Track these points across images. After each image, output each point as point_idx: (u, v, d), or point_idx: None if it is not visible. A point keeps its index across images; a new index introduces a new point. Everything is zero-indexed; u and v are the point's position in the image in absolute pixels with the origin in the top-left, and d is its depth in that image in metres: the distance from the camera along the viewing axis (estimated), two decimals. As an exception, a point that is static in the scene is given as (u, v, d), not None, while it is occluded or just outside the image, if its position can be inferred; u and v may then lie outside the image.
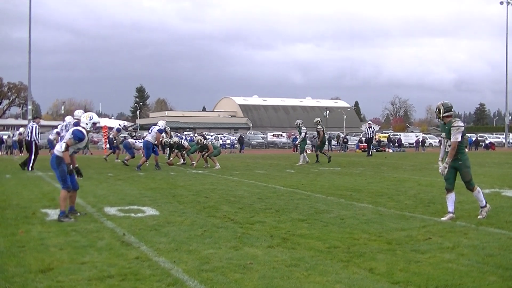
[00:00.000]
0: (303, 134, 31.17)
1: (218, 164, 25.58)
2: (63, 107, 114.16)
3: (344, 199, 13.57)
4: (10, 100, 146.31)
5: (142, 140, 27.94)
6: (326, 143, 47.03)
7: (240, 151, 60.45)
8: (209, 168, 25.10)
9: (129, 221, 10.15)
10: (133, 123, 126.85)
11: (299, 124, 31.23)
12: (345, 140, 70.56)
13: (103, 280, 6.26)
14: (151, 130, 25.04)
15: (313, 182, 18.47)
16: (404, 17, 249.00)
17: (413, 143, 79.80)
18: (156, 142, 24.71)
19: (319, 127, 32.03)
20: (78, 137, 10.53)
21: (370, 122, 47.06)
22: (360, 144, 70.01)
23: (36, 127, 24.02)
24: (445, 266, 6.88)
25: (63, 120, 24.61)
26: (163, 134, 26.00)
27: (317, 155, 32.37)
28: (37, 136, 23.71)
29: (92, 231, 9.09)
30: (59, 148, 10.58)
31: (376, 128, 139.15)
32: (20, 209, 11.55)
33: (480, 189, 10.81)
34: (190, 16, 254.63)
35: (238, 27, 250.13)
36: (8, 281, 6.19)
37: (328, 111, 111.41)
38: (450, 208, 10.64)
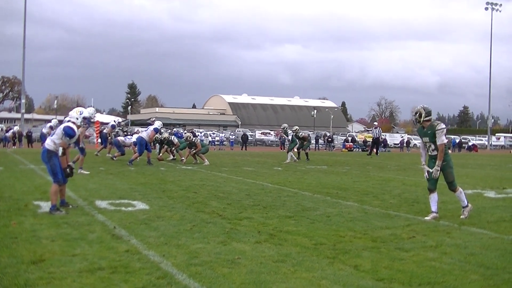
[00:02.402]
0: (290, 137, 32.12)
1: (207, 160, 25.86)
2: (55, 101, 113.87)
3: (331, 197, 13.74)
4: (4, 94, 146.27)
5: (133, 137, 28.16)
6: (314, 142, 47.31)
7: (242, 148, 61.07)
8: (198, 165, 25.25)
9: (119, 214, 10.29)
10: (124, 119, 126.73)
11: (286, 128, 32.82)
12: (330, 139, 70.76)
13: (93, 272, 6.38)
14: (148, 128, 25.40)
15: (300, 180, 18.65)
16: (390, 20, 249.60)
17: (398, 144, 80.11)
18: (149, 140, 24.86)
19: (300, 133, 32.71)
20: (68, 134, 10.79)
21: (376, 123, 47.41)
22: (346, 144, 70.24)
23: None
24: (429, 264, 7.03)
25: (55, 116, 24.78)
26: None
27: (306, 154, 33.59)
28: None
29: (83, 224, 9.22)
30: (50, 142, 10.76)
31: (362, 128, 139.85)
32: (13, 201, 11.67)
33: (462, 190, 11.04)
34: (180, 16, 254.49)
35: (227, 27, 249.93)
36: (0, 272, 6.31)
37: (315, 111, 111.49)
38: (433, 208, 10.84)
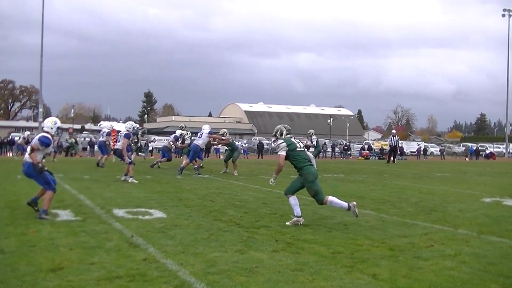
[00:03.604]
0: (314, 142, 32.21)
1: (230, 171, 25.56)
2: (72, 110, 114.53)
3: (348, 206, 13.69)
4: (22, 102, 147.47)
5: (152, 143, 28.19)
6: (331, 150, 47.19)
7: (258, 157, 61.06)
8: (214, 173, 25.23)
9: (137, 223, 10.30)
10: (141, 127, 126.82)
11: (312, 134, 32.31)
12: (347, 147, 70.60)
13: (111, 280, 6.39)
14: (201, 134, 24.56)
15: (317, 188, 18.57)
16: (404, 27, 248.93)
17: (414, 152, 79.75)
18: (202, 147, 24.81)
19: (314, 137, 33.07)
20: (45, 143, 10.95)
21: (394, 131, 47.42)
22: (363, 152, 70.04)
23: None
24: (447, 274, 6.99)
25: (72, 124, 24.77)
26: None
27: None
28: None
29: (100, 232, 9.25)
30: (33, 155, 10.90)
31: (379, 136, 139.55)
32: (30, 209, 11.70)
33: (333, 199, 10.85)
34: (194, 24, 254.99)
35: (241, 36, 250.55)
36: (19, 280, 6.33)
37: (331, 119, 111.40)
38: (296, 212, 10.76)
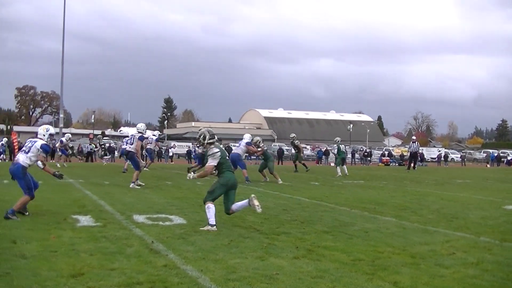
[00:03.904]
0: (335, 150, 33.15)
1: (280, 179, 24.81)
2: (93, 116, 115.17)
3: (368, 212, 13.65)
4: (43, 108, 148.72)
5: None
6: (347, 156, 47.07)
7: (278, 163, 60.88)
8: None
9: (157, 229, 10.31)
10: (161, 133, 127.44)
11: (338, 142, 32.99)
12: (367, 153, 70.40)
13: (132, 286, 6.39)
14: (240, 144, 24.63)
15: (337, 194, 18.57)
16: (424, 33, 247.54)
17: (435, 158, 79.41)
18: (243, 154, 24.60)
19: (296, 141, 34.31)
20: (46, 150, 11.87)
21: (414, 138, 47.29)
22: (383, 158, 69.85)
23: None
24: (469, 282, 6.92)
25: (93, 130, 24.75)
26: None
27: (295, 165, 35.28)
28: None
29: (121, 238, 9.27)
30: (26, 159, 11.73)
31: (399, 142, 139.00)
32: (52, 214, 11.78)
33: (212, 206, 10.74)
34: (214, 30, 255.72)
35: (261, 41, 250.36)
36: (41, 285, 6.35)
37: (351, 125, 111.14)
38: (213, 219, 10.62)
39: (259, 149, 24.63)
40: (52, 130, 12.42)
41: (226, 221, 11.54)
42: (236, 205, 11.04)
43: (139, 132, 20.57)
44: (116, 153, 56.69)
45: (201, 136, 11.19)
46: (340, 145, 32.69)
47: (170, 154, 59.91)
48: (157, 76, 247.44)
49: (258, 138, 25.59)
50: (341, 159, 32.80)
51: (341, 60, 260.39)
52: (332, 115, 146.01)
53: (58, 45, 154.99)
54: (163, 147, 38.33)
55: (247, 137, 24.70)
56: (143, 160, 25.60)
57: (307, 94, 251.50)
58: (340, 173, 31.51)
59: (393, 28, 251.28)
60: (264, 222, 11.49)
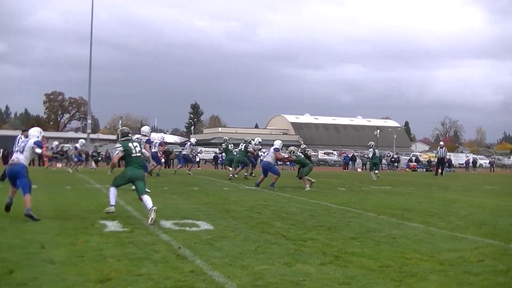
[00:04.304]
0: (370, 154, 33.98)
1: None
2: (120, 122, 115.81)
3: (395, 218, 13.55)
4: (71, 114, 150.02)
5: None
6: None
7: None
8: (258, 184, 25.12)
9: (184, 234, 10.32)
10: (187, 139, 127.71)
11: (372, 146, 34.36)
12: (394, 159, 70.05)
13: (159, 292, 6.41)
14: (269, 150, 24.22)
15: (364, 200, 18.49)
16: (449, 38, 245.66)
17: (463, 164, 78.85)
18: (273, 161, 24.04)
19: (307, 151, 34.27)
20: (39, 145, 12.69)
21: (442, 143, 47.04)
22: (410, 164, 69.50)
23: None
24: (498, 289, 6.87)
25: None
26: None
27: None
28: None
29: (148, 244, 9.28)
30: (25, 159, 12.45)
31: (426, 147, 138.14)
32: (80, 219, 11.86)
33: (112, 190, 12.83)
34: (239, 36, 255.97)
35: (286, 47, 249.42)
36: (68, 290, 6.40)
37: (378, 131, 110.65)
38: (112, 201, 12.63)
39: (286, 156, 24.36)
40: (43, 132, 13.40)
41: (253, 227, 11.54)
42: (145, 201, 12.27)
43: (143, 135, 20.65)
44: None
45: (118, 135, 13.34)
46: (376, 150, 33.72)
47: (197, 159, 60.02)
48: (184, 82, 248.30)
49: (292, 148, 24.98)
50: (372, 163, 33.73)
51: (367, 66, 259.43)
52: (358, 121, 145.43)
53: (85, 51, 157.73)
54: (196, 153, 38.37)
55: (277, 144, 24.34)
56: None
57: (333, 99, 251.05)
58: (374, 178, 32.61)
59: (419, 33, 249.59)
60: (291, 228, 11.45)
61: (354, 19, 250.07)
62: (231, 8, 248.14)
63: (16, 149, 12.66)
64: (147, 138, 20.61)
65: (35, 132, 12.96)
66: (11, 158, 12.99)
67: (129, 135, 13.33)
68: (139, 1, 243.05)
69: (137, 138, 20.93)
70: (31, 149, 12.47)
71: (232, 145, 34.99)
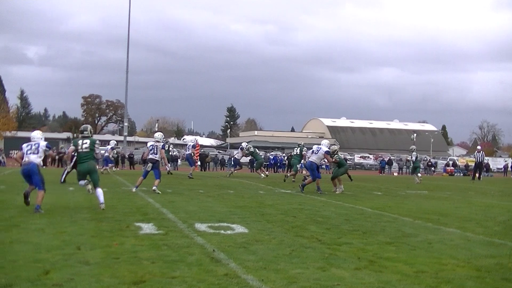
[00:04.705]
0: (414, 158, 35.03)
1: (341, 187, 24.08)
2: (157, 124, 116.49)
3: (432, 223, 13.41)
4: (108, 117, 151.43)
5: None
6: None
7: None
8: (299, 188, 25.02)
9: (218, 237, 10.32)
10: (223, 142, 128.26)
11: (414, 150, 35.41)
12: (431, 163, 69.46)
13: (193, 294, 6.42)
14: (317, 150, 23.18)
15: (400, 205, 18.35)
16: (487, 41, 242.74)
17: (501, 168, 77.92)
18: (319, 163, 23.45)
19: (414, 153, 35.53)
20: (49, 147, 14.32)
21: (479, 147, 46.64)
22: (447, 168, 68.90)
23: None
24: (537, 297, 6.77)
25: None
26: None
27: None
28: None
29: (182, 246, 9.30)
30: (38, 158, 13.81)
31: (464, 152, 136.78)
32: (115, 222, 11.92)
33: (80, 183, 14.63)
34: (275, 39, 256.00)
35: (322, 50, 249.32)
36: (103, 291, 6.43)
37: (415, 134, 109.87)
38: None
39: (332, 160, 23.73)
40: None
41: (288, 230, 11.51)
42: (98, 194, 14.25)
43: (157, 141, 21.11)
44: (179, 161, 57.23)
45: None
46: (417, 154, 34.95)
47: (233, 163, 60.10)
48: (220, 85, 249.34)
49: (335, 147, 24.59)
50: (414, 167, 35.16)
51: (404, 69, 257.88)
52: (395, 124, 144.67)
53: (122, 54, 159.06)
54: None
55: (325, 144, 23.65)
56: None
57: (370, 103, 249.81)
58: (418, 180, 34.03)
59: (456, 35, 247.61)
60: (326, 232, 11.40)
61: (391, 22, 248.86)
62: (268, 11, 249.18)
63: (29, 151, 13.73)
64: (161, 144, 20.96)
65: (39, 135, 14.31)
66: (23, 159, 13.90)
67: (85, 132, 14.95)
68: (175, 5, 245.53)
69: (151, 145, 21.18)
70: (43, 150, 13.89)
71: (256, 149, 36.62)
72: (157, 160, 20.77)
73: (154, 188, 20.03)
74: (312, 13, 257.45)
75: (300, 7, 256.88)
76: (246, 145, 37.23)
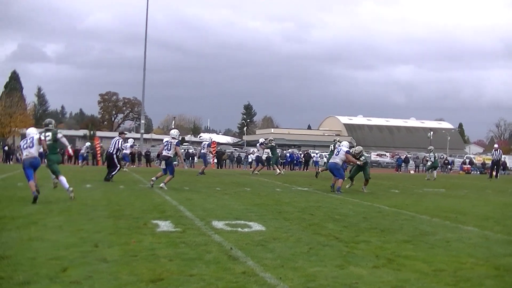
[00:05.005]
0: (432, 158, 37.46)
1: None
2: (173, 122, 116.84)
3: (449, 222, 13.34)
4: (125, 114, 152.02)
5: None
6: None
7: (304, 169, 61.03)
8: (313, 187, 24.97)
9: (236, 235, 10.31)
10: (240, 139, 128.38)
11: (431, 150, 37.95)
12: (447, 161, 69.15)
13: (211, 292, 6.41)
14: (338, 151, 23.04)
15: (418, 203, 18.26)
16: (504, 38, 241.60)
17: (518, 166, 77.51)
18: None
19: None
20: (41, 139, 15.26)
21: (497, 145, 46.42)
22: (464, 166, 68.57)
23: (120, 141, 25.23)
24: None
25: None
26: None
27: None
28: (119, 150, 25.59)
29: (200, 244, 9.30)
30: (37, 152, 14.94)
31: (480, 150, 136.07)
32: (133, 219, 11.94)
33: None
34: (293, 37, 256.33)
35: (339, 48, 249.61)
36: (121, 289, 6.44)
37: (432, 132, 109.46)
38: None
39: (358, 162, 23.23)
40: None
41: (305, 228, 11.49)
42: (61, 180, 15.66)
43: (173, 138, 21.57)
44: (196, 158, 57.39)
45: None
46: (436, 153, 36.94)
47: (249, 160, 60.17)
48: (237, 82, 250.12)
49: (360, 148, 23.92)
50: (433, 166, 37.53)
51: (420, 67, 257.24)
52: (412, 122, 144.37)
53: (140, 52, 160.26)
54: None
55: (346, 145, 23.48)
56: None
57: (387, 100, 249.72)
58: (429, 177, 36.22)
59: (473, 33, 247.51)
60: (344, 230, 11.36)
61: (408, 19, 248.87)
62: (285, 9, 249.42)
63: (25, 146, 14.81)
64: (176, 140, 21.23)
65: (34, 130, 15.36)
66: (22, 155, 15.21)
67: (50, 125, 16.51)
68: (193, 3, 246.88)
69: (166, 141, 21.40)
70: (38, 142, 14.86)
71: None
72: (170, 157, 21.22)
73: (162, 185, 20.42)
74: (329, 11, 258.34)
75: (317, 4, 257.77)
76: (267, 139, 38.01)
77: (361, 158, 23.14)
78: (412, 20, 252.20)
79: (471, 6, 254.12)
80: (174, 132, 21.86)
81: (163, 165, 21.10)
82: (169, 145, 21.20)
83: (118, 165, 24.75)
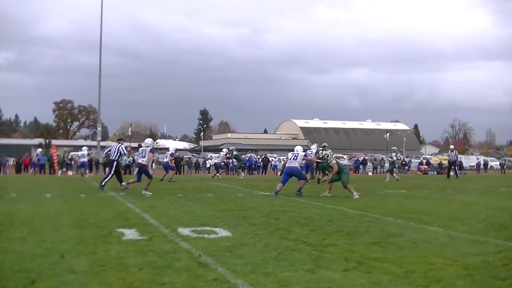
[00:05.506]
0: (394, 158, 38.87)
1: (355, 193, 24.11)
2: (130, 129, 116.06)
3: (414, 222, 13.43)
4: (80, 122, 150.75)
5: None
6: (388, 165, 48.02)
7: (316, 173, 61.05)
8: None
9: (203, 242, 10.23)
10: (197, 145, 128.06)
11: (395, 150, 39.91)
12: (404, 162, 69.79)
13: (184, 300, 6.35)
14: (295, 156, 22.77)
15: (381, 204, 18.38)
16: (458, 41, 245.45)
17: (473, 166, 78.55)
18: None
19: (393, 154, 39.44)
20: None
21: (452, 146, 47.29)
22: (421, 167, 69.34)
23: (122, 146, 24.83)
24: (527, 293, 6.77)
25: (130, 143, 25.42)
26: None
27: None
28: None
29: (168, 252, 9.20)
30: None
31: (436, 150, 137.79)
32: (98, 228, 11.79)
33: None
34: (248, 42, 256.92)
35: (294, 52, 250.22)
36: (93, 300, 6.34)
37: (388, 134, 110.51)
38: None
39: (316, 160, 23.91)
40: None
41: (272, 233, 11.46)
42: None
43: (147, 146, 22.57)
44: (153, 165, 57.11)
45: None
46: (399, 154, 37.92)
47: (208, 165, 60.11)
48: (193, 88, 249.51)
49: (327, 152, 24.03)
50: (394, 167, 38.88)
51: (376, 69, 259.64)
52: (368, 124, 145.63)
53: (95, 59, 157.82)
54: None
55: (300, 149, 23.47)
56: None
57: (343, 103, 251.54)
58: (388, 179, 37.23)
59: (427, 35, 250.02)
60: (310, 234, 11.36)
61: (362, 23, 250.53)
62: (240, 14, 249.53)
63: None
64: (150, 148, 22.55)
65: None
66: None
67: None
68: (148, 9, 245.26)
69: (141, 149, 22.01)
70: None
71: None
72: (145, 165, 22.06)
73: (143, 192, 21.30)
74: (284, 15, 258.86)
75: (271, 9, 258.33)
76: (230, 149, 39.77)
77: (331, 162, 23.14)
78: (366, 23, 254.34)
79: (426, 9, 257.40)
80: (149, 141, 23.63)
81: (137, 172, 21.86)
82: (144, 152, 21.92)
83: (112, 172, 24.27)
